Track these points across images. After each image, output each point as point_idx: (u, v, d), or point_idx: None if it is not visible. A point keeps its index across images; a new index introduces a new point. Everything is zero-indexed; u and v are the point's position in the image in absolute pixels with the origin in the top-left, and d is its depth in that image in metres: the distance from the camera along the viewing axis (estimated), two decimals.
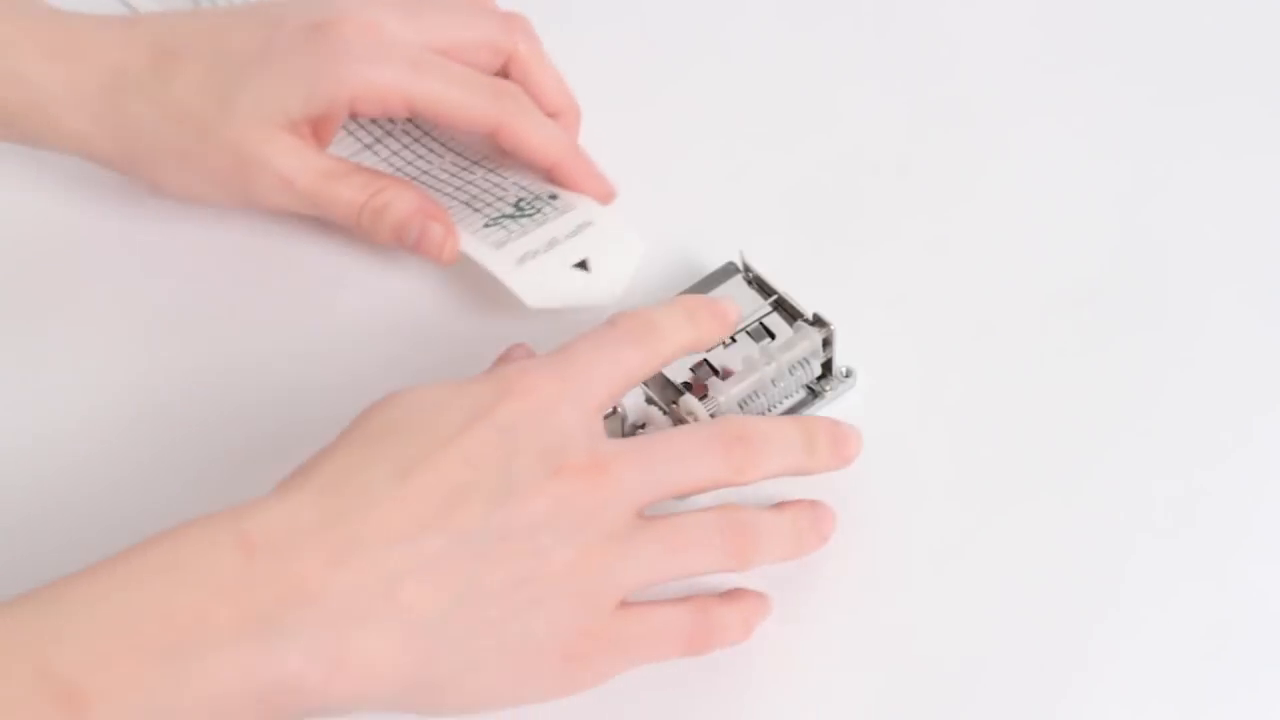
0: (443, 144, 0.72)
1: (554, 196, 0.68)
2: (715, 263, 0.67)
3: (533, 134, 0.67)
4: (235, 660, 0.49)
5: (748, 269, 0.65)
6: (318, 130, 0.67)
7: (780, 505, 0.59)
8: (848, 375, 0.65)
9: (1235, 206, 0.70)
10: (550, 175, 0.68)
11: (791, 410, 0.64)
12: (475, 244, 0.66)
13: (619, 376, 0.57)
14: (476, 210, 0.68)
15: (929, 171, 0.72)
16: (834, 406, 0.65)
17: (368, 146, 0.72)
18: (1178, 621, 0.59)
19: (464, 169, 0.70)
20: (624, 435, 0.63)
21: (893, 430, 0.64)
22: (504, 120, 0.66)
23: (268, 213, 0.69)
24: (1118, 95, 0.74)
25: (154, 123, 0.66)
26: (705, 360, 0.63)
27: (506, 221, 0.67)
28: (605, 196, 0.69)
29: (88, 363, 0.68)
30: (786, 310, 0.64)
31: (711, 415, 0.61)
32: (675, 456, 0.56)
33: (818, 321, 0.63)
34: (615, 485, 0.54)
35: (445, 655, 0.52)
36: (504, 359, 0.62)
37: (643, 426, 0.62)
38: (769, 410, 0.63)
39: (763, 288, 0.65)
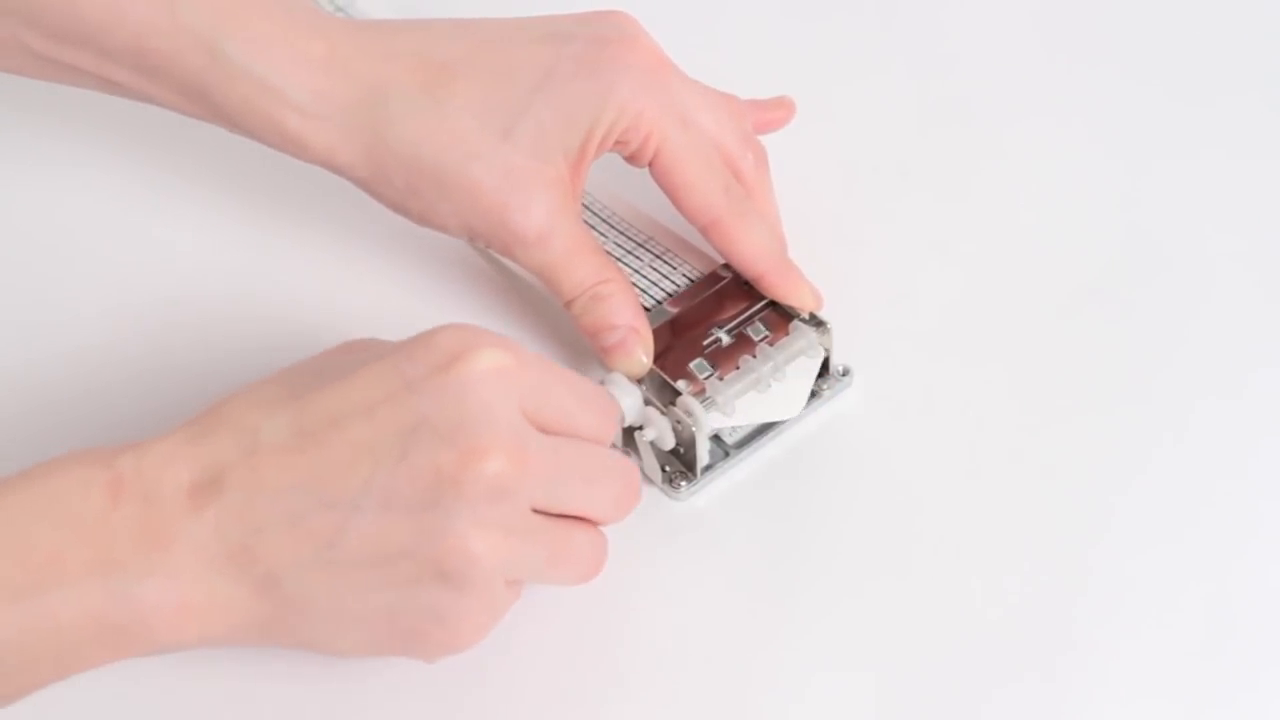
0: (612, 219, 0.69)
1: None
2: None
3: (748, 240, 0.64)
4: (81, 602, 0.50)
5: None
6: (583, 163, 0.63)
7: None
8: (845, 374, 0.65)
9: (1235, 206, 0.70)
10: (756, 284, 0.64)
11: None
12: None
13: (561, 418, 0.54)
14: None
15: (929, 171, 0.73)
16: (831, 405, 0.65)
17: None
18: (1178, 620, 0.59)
19: (632, 250, 0.67)
20: (620, 436, 0.63)
21: (890, 428, 0.64)
22: (724, 217, 0.64)
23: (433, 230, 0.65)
24: (1117, 95, 0.75)
25: (416, 143, 0.61)
26: (702, 359, 0.63)
27: None
28: (813, 306, 0.64)
29: (83, 357, 0.68)
30: (782, 309, 0.64)
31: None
32: (583, 478, 0.55)
33: (814, 320, 0.63)
34: (520, 480, 0.52)
35: (301, 608, 0.52)
36: None
37: (640, 428, 0.62)
38: None
39: None
